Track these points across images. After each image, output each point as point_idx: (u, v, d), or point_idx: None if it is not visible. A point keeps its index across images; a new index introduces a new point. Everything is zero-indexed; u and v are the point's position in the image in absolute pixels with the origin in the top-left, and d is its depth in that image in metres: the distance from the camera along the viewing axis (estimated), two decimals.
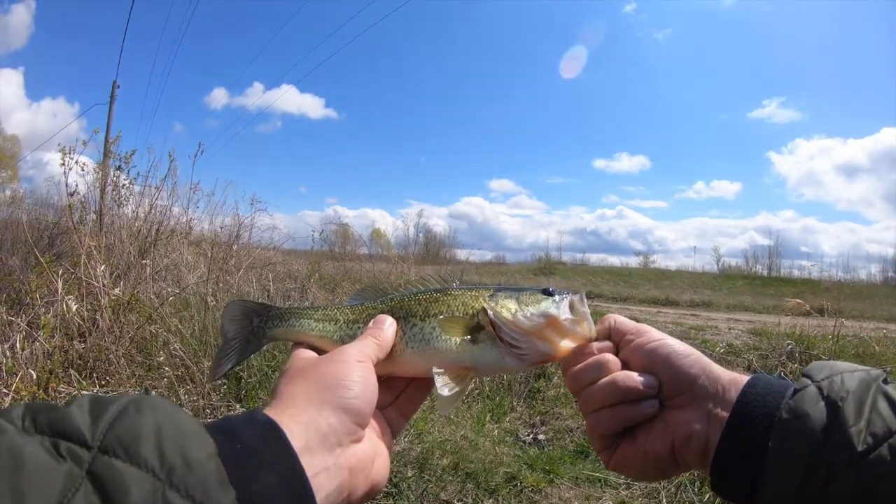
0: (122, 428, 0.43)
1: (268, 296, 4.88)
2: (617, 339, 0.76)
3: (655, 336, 0.73)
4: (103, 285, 3.93)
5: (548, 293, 0.79)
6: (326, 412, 0.59)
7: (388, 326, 0.77)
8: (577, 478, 3.34)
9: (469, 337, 0.77)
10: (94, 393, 2.94)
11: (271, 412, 0.57)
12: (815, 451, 0.56)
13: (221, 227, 6.35)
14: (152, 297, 4.17)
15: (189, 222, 5.91)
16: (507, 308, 0.76)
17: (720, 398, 0.66)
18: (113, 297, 3.84)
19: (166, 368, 3.32)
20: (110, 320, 3.68)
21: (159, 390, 3.19)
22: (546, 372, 4.87)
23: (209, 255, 4.93)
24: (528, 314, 0.75)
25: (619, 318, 0.78)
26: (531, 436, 4.02)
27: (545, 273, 27.21)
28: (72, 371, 3.22)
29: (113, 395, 0.46)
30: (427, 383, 0.79)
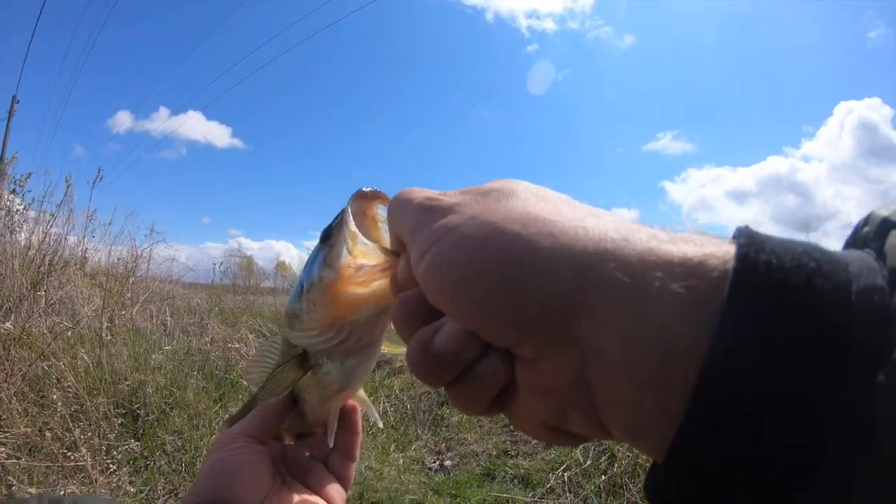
0: None
1: (165, 330, 4.95)
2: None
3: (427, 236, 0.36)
4: None
5: (325, 238, 0.52)
6: None
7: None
8: (483, 500, 3.58)
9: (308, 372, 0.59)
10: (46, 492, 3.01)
11: None
12: None
13: (118, 259, 6.34)
14: (45, 331, 4.24)
15: (84, 252, 5.89)
16: (293, 313, 0.54)
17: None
18: (3, 332, 3.91)
19: (60, 406, 3.45)
20: (1, 357, 3.75)
21: (53, 429, 3.32)
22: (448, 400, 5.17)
23: (105, 287, 5.01)
24: (312, 298, 0.52)
25: (396, 199, 0.42)
26: (437, 462, 4.19)
27: None
28: None
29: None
30: (347, 412, 0.67)
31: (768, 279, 0.25)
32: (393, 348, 0.60)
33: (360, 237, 0.49)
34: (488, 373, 0.35)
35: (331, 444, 0.64)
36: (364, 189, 0.52)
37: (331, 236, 0.51)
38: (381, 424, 0.68)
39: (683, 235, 0.30)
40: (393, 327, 0.48)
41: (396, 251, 0.46)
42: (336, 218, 0.52)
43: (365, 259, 0.49)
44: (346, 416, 0.67)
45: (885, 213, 0.30)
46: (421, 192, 0.40)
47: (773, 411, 0.24)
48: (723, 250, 0.28)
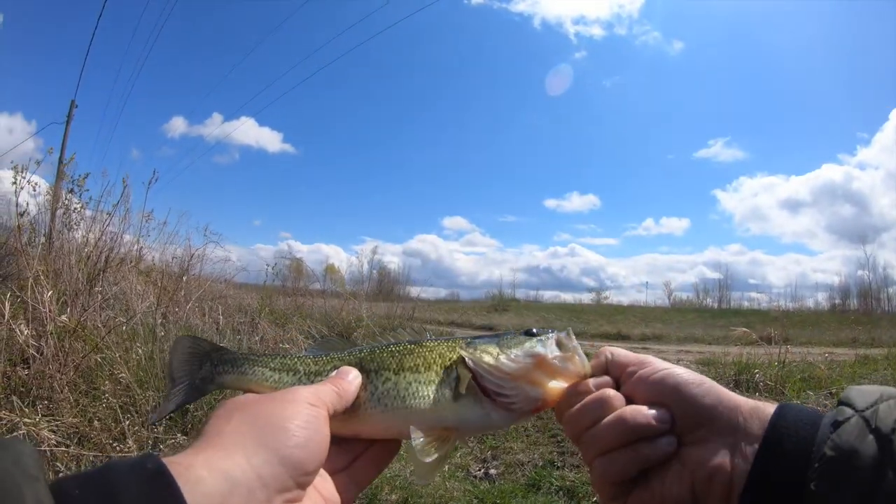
0: None
1: (217, 328, 5.07)
2: (616, 374, 0.71)
3: (660, 365, 0.68)
4: (50, 311, 4.10)
5: (530, 334, 0.76)
6: (259, 458, 0.52)
7: (352, 378, 0.72)
8: None
9: (449, 392, 0.72)
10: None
11: (181, 455, 0.50)
12: (867, 493, 0.52)
13: (173, 258, 6.53)
14: (99, 325, 4.35)
15: (140, 251, 6.09)
16: (489, 353, 0.73)
17: (743, 430, 0.61)
18: (59, 324, 4.01)
19: (111, 398, 3.51)
20: (55, 347, 3.84)
21: (102, 419, 3.38)
22: None
23: (159, 285, 5.13)
24: (513, 356, 0.72)
25: (616, 350, 0.73)
26: (482, 470, 4.20)
27: (498, 310, 27.89)
28: (14, 398, 3.37)
29: None
30: (391, 447, 0.75)
31: (782, 443, 0.59)
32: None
33: (575, 344, 0.75)
34: (669, 446, 0.65)
35: (418, 445, 0.69)
36: (573, 345, 0.75)
37: (534, 335, 0.76)
38: (421, 482, 0.87)
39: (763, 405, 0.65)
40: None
41: (593, 374, 0.74)
42: (548, 330, 0.77)
43: (569, 363, 0.73)
44: (389, 447, 0.75)
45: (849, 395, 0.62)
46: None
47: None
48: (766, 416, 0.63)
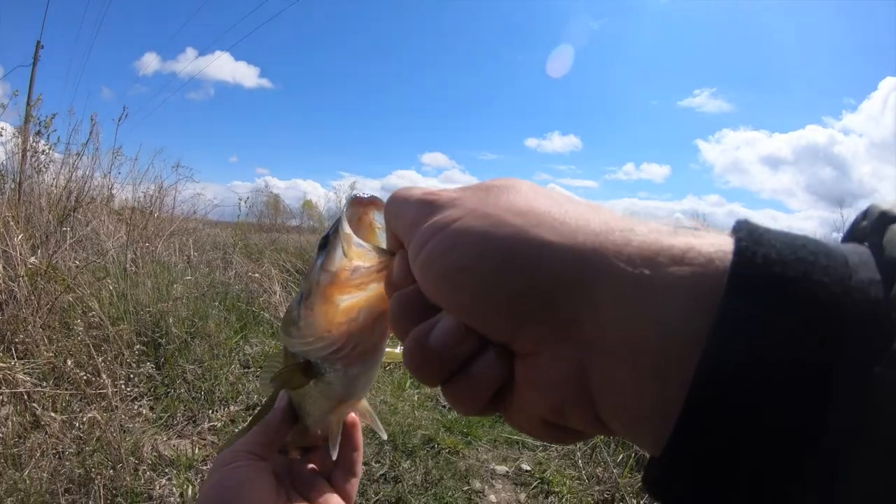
0: None
1: (189, 263, 5.07)
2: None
3: (425, 234, 0.35)
4: (21, 254, 4.09)
5: (322, 245, 0.52)
6: None
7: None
8: (494, 440, 3.63)
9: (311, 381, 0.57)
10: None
11: None
12: None
13: (144, 195, 6.44)
14: (71, 265, 4.35)
15: (111, 189, 6.03)
16: (290, 320, 0.54)
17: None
18: (30, 266, 4.02)
19: (84, 336, 3.53)
20: (28, 290, 3.86)
21: (76, 356, 3.41)
22: None
23: (129, 222, 5.10)
24: (309, 304, 0.51)
25: (394, 196, 0.43)
26: None
27: None
28: None
29: None
30: (347, 428, 0.67)
31: (766, 272, 0.26)
32: (394, 357, 0.59)
33: (356, 239, 0.49)
34: (486, 369, 0.35)
35: (334, 457, 0.63)
36: (360, 195, 0.53)
37: (328, 243, 0.51)
38: (384, 436, 0.69)
39: (685, 229, 0.30)
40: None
41: (393, 251, 0.46)
42: (333, 225, 0.52)
43: (361, 261, 0.49)
44: (346, 432, 0.67)
45: (884, 206, 0.30)
46: (419, 189, 0.40)
47: (771, 403, 0.24)
48: (725, 242, 0.28)
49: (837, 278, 0.25)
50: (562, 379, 0.31)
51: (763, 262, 0.26)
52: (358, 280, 0.49)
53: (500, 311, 0.32)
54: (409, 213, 0.39)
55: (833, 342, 0.24)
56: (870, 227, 0.29)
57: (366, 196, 0.53)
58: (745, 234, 0.27)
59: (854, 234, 0.31)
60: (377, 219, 0.53)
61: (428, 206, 0.37)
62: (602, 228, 0.30)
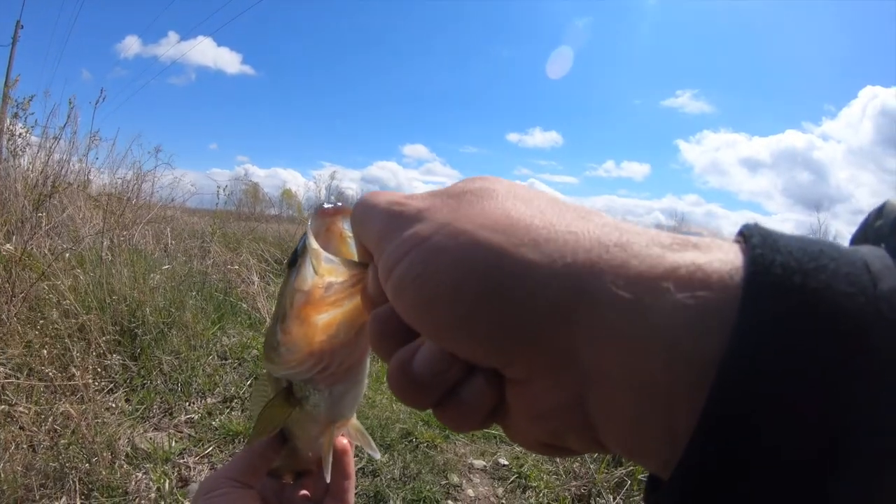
0: None
1: (166, 251, 5.03)
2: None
3: (393, 255, 0.32)
4: None
5: (291, 263, 0.49)
6: None
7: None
8: (472, 434, 3.63)
9: (296, 407, 0.56)
10: None
11: None
12: None
13: (122, 181, 6.35)
14: (46, 252, 4.31)
15: (88, 174, 5.94)
16: (270, 345, 0.52)
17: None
18: (4, 252, 3.97)
19: (59, 326, 3.51)
20: (2, 278, 3.82)
21: (50, 348, 3.39)
22: None
23: (105, 209, 5.05)
24: (286, 328, 0.49)
25: (359, 205, 0.39)
26: None
27: None
28: None
29: None
30: (338, 454, 0.65)
31: (785, 282, 0.23)
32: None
33: (325, 254, 0.47)
34: (473, 396, 0.32)
35: (328, 479, 0.60)
36: (325, 205, 0.50)
37: (297, 260, 0.49)
38: (377, 455, 0.66)
39: (685, 238, 0.28)
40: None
41: (365, 262, 0.42)
42: (300, 240, 0.50)
43: (334, 276, 0.47)
44: (336, 458, 0.64)
45: None
46: (385, 196, 0.37)
47: (794, 426, 0.22)
48: (734, 257, 0.26)
49: (861, 287, 0.23)
50: (557, 406, 0.29)
51: (781, 272, 0.23)
52: (332, 297, 0.47)
53: (483, 343, 0.29)
54: (374, 224, 0.36)
55: (861, 359, 0.22)
56: (887, 227, 0.27)
57: (330, 206, 0.50)
58: (759, 240, 0.25)
59: (867, 233, 0.29)
60: (346, 228, 0.50)
61: (395, 217, 0.34)
62: (593, 244, 0.27)
